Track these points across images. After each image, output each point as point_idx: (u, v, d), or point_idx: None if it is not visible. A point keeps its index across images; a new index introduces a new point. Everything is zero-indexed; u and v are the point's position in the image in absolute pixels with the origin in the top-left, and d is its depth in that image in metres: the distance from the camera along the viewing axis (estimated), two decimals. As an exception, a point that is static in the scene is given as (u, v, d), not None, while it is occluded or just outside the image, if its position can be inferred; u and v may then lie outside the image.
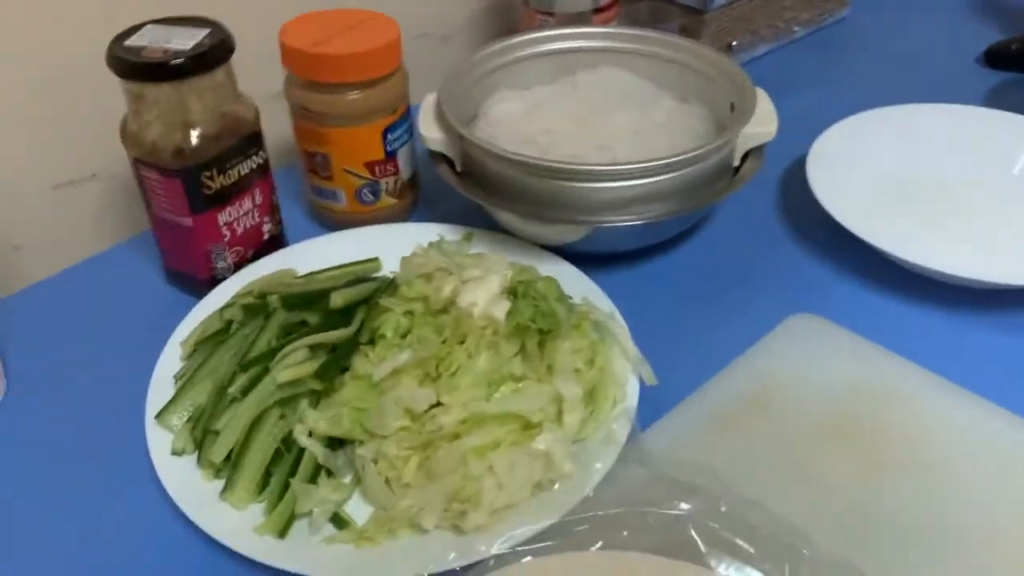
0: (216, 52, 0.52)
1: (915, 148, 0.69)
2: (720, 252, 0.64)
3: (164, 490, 0.46)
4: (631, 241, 0.61)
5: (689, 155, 0.55)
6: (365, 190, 0.63)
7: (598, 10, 0.72)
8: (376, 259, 0.59)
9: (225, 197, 0.56)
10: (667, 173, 0.56)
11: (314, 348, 0.50)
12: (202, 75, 0.52)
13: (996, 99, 0.79)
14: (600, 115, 0.63)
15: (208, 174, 0.54)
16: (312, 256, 0.59)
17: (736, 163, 0.61)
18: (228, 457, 0.47)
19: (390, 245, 0.59)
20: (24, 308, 0.60)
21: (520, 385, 0.47)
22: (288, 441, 0.47)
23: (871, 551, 0.43)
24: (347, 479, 0.47)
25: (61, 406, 0.54)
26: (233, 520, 0.45)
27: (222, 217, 0.56)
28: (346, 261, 0.59)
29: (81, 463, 0.50)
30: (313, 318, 0.52)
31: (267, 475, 0.47)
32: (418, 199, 0.68)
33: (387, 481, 0.46)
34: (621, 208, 0.56)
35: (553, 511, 0.43)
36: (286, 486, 0.46)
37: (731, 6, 0.80)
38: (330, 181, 0.63)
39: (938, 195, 0.66)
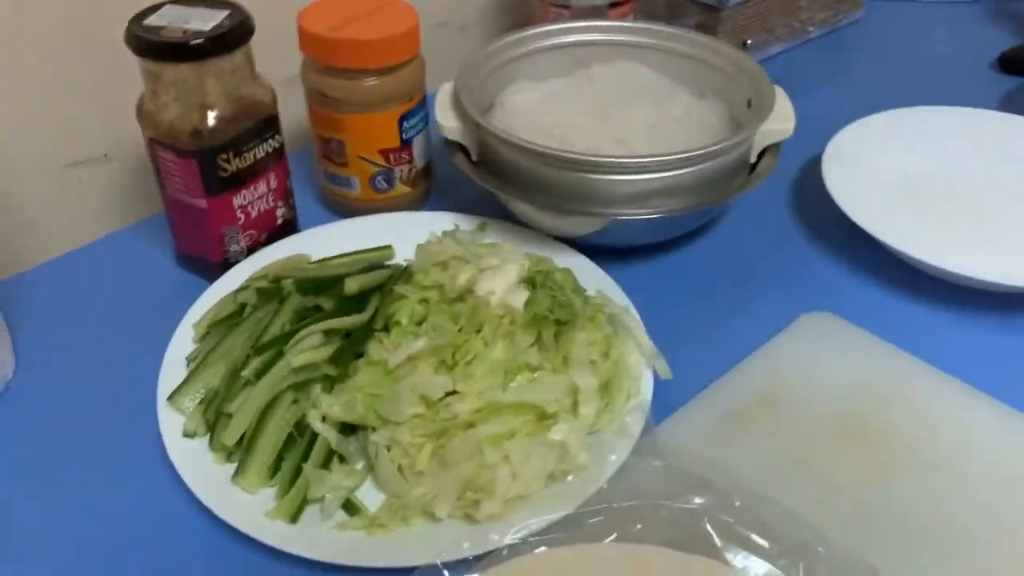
0: (236, 34, 0.52)
1: (930, 150, 0.69)
2: (734, 249, 0.63)
3: (175, 472, 0.46)
4: (646, 235, 0.61)
5: (708, 150, 0.55)
6: (379, 178, 0.63)
7: (614, 4, 0.72)
8: (389, 246, 0.59)
9: (240, 180, 0.55)
10: (686, 167, 0.56)
11: (328, 333, 0.50)
12: (221, 56, 0.52)
13: (1010, 104, 0.79)
14: (617, 109, 0.63)
15: (224, 156, 0.54)
16: (325, 242, 0.59)
17: (752, 160, 0.61)
18: (240, 441, 0.47)
19: (403, 233, 0.59)
20: (33, 288, 0.60)
21: (536, 375, 0.47)
22: (301, 426, 0.47)
23: (879, 550, 0.43)
24: (359, 465, 0.47)
25: (71, 386, 0.53)
26: (244, 504, 0.45)
27: (237, 200, 0.56)
28: (359, 248, 0.58)
29: (91, 444, 0.50)
30: (327, 303, 0.52)
31: (279, 460, 0.47)
32: (431, 188, 0.68)
33: (400, 468, 0.45)
34: (638, 202, 0.56)
35: (567, 502, 0.43)
36: (298, 471, 0.46)
37: (747, 4, 0.80)
38: (344, 168, 0.63)
39: (952, 197, 0.66)
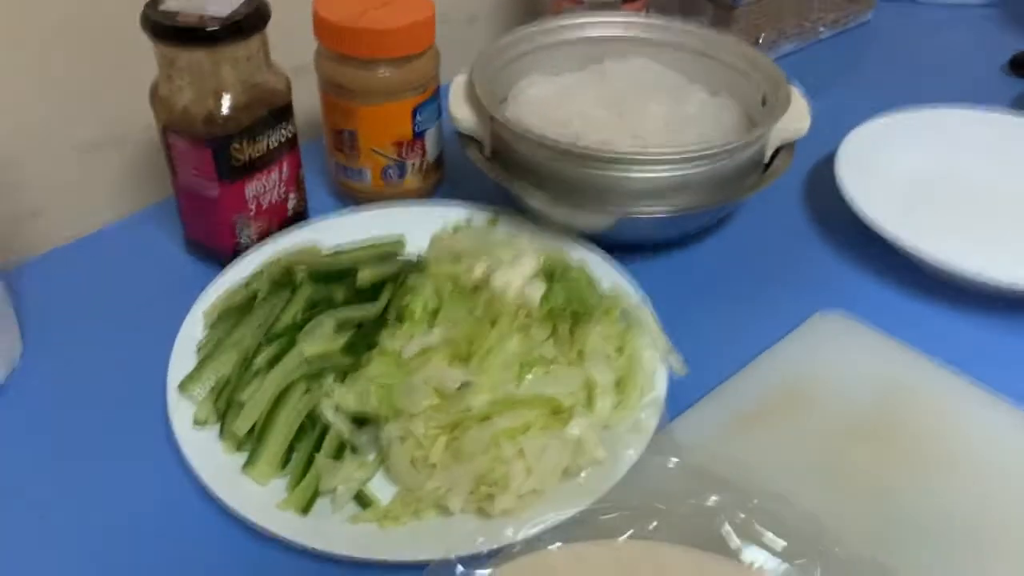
0: (252, 20, 0.52)
1: (943, 150, 0.69)
2: (746, 247, 0.63)
3: (184, 461, 0.46)
4: (659, 232, 0.61)
5: (725, 147, 0.55)
6: (391, 169, 0.63)
7: (628, -1, 0.72)
8: (401, 238, 0.58)
9: (253, 168, 0.55)
10: (701, 164, 0.55)
11: (341, 323, 0.49)
12: (237, 43, 0.51)
13: (1022, 107, 0.78)
14: (631, 104, 0.62)
15: (238, 144, 0.53)
16: (336, 232, 0.59)
17: (766, 159, 0.61)
18: (251, 430, 0.46)
19: (414, 225, 0.59)
20: (42, 274, 0.59)
21: (551, 369, 0.47)
22: (312, 416, 0.47)
23: (896, 551, 0.43)
24: (371, 457, 0.47)
25: (79, 373, 0.53)
26: (254, 494, 0.45)
27: (249, 188, 0.55)
28: (371, 238, 0.58)
29: (99, 431, 0.49)
30: (339, 293, 0.51)
31: (290, 450, 0.46)
32: (442, 181, 0.67)
33: (413, 461, 0.45)
34: (652, 198, 0.56)
35: (582, 498, 0.43)
36: (308, 462, 0.45)
37: (760, 2, 0.79)
38: (356, 159, 0.62)
39: (965, 198, 0.66)
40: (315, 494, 0.44)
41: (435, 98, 0.62)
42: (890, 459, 0.48)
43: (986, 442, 0.48)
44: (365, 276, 0.51)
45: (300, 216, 0.61)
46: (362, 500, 0.45)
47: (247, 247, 0.57)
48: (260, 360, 0.47)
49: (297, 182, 0.59)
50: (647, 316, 0.51)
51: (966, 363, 0.53)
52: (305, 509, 0.44)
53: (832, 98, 0.77)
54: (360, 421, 0.47)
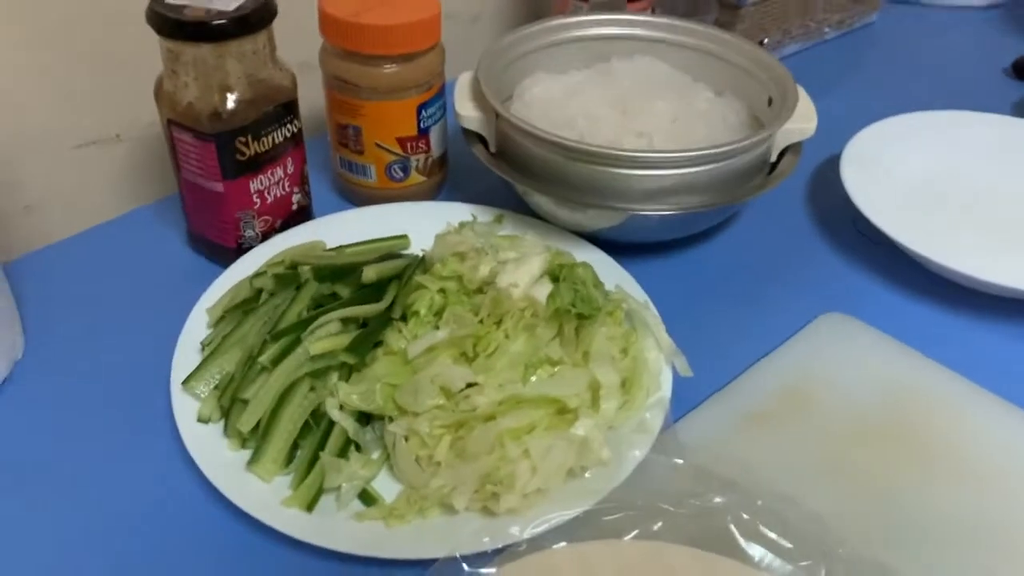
0: (259, 15, 0.51)
1: (948, 153, 0.69)
2: (748, 249, 0.63)
3: (188, 458, 0.45)
4: (663, 232, 0.61)
5: (731, 147, 0.55)
6: (395, 166, 0.62)
7: (633, -1, 0.72)
8: (405, 236, 0.58)
9: (258, 164, 0.55)
10: (707, 164, 0.55)
11: (345, 321, 0.49)
12: (243, 38, 0.51)
13: (1023, 112, 0.79)
14: (637, 103, 0.62)
15: (243, 140, 0.53)
16: (340, 229, 0.59)
17: (773, 159, 0.61)
18: (256, 428, 0.46)
19: (418, 223, 0.59)
20: (44, 269, 0.59)
21: (556, 369, 0.47)
22: (317, 414, 0.47)
23: (901, 553, 0.43)
24: (376, 455, 0.47)
25: (81, 369, 0.52)
26: (259, 492, 0.44)
27: (253, 184, 0.55)
28: (375, 236, 0.58)
29: (102, 428, 0.49)
30: (344, 291, 0.51)
31: (294, 448, 0.46)
32: (445, 179, 0.67)
33: (418, 459, 0.45)
34: (658, 197, 0.56)
35: (587, 498, 0.43)
36: (313, 459, 0.45)
37: (765, 3, 0.79)
38: (361, 155, 0.62)
39: (969, 201, 0.66)
40: (319, 491, 0.44)
41: (440, 95, 0.62)
42: (895, 460, 0.48)
43: (991, 444, 0.49)
44: (370, 274, 0.51)
45: (304, 212, 0.61)
46: (367, 498, 0.45)
47: (251, 244, 0.57)
48: (265, 357, 0.47)
49: (302, 178, 0.59)
50: (652, 317, 0.51)
51: (970, 365, 0.53)
52: (309, 506, 0.44)
53: (835, 99, 0.77)
54: (366, 418, 0.47)
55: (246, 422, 0.46)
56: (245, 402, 0.46)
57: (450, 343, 0.47)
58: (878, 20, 0.93)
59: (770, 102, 0.62)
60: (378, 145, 0.61)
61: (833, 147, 0.67)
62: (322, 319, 0.48)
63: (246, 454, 0.46)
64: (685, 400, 0.50)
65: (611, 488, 0.43)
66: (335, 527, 0.43)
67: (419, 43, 0.58)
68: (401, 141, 0.61)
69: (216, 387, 0.48)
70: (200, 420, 0.47)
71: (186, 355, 0.50)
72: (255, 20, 0.51)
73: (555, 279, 0.49)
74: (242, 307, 0.52)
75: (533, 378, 0.46)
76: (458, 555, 0.41)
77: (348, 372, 0.48)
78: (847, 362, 0.53)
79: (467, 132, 0.61)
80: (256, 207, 0.56)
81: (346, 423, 0.46)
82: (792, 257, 0.63)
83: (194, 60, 0.51)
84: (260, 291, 0.53)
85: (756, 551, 0.41)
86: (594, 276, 0.51)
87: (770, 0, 0.79)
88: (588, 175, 0.55)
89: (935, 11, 0.97)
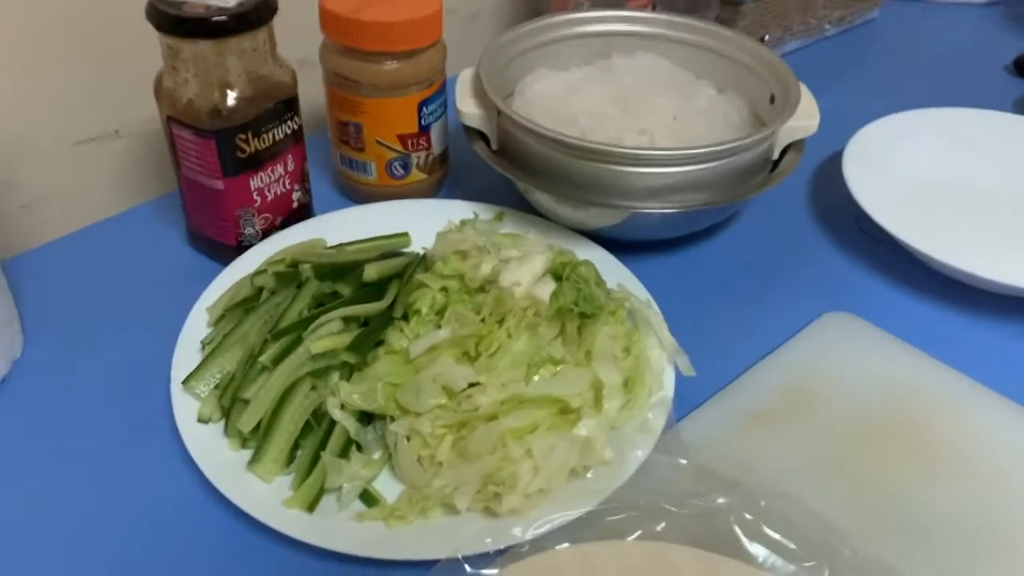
0: (259, 12, 0.51)
1: (951, 151, 0.69)
2: (750, 247, 0.63)
3: (188, 457, 0.45)
4: (665, 230, 0.60)
5: (733, 144, 0.55)
6: (396, 164, 0.62)
7: (634, -5, 0.71)
8: (406, 234, 0.58)
9: (258, 161, 0.55)
10: (710, 161, 0.55)
11: (347, 320, 0.49)
12: (243, 35, 0.51)
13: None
14: (639, 100, 0.62)
15: (243, 137, 0.53)
16: (341, 227, 0.58)
17: (775, 157, 0.60)
18: (256, 427, 0.46)
19: (419, 220, 0.59)
20: (42, 267, 0.59)
21: (559, 369, 0.47)
22: (318, 414, 0.47)
23: (905, 553, 0.43)
24: (377, 455, 0.46)
25: (81, 368, 0.52)
26: (259, 492, 0.44)
27: (254, 182, 0.55)
28: (375, 234, 0.58)
29: (101, 427, 0.49)
30: (345, 290, 0.51)
31: (295, 447, 0.46)
32: (446, 177, 0.67)
33: (420, 459, 0.45)
34: (659, 195, 0.55)
35: (589, 498, 0.43)
36: (314, 459, 0.45)
37: (766, 0, 0.79)
38: (361, 152, 0.62)
39: (972, 199, 0.66)
40: (321, 492, 0.44)
41: (441, 92, 0.62)
42: (899, 460, 0.47)
43: (994, 443, 0.48)
44: (371, 272, 0.51)
45: (305, 210, 0.60)
46: (368, 498, 0.45)
47: (251, 241, 0.57)
48: (265, 357, 0.47)
49: (302, 176, 0.59)
50: (654, 316, 0.51)
51: (972, 363, 0.53)
52: (311, 507, 0.44)
53: (836, 96, 0.77)
54: (367, 417, 0.47)
55: (247, 422, 0.45)
56: (246, 402, 0.46)
57: (452, 342, 0.46)
58: (879, 17, 0.93)
59: (772, 99, 0.61)
60: (379, 142, 0.61)
61: (834, 144, 0.67)
62: (323, 318, 0.48)
63: (246, 454, 0.46)
64: (688, 399, 0.50)
65: (614, 488, 0.43)
66: (336, 528, 0.43)
67: (420, 40, 0.58)
68: (402, 138, 0.61)
69: (216, 386, 0.48)
70: (200, 420, 0.47)
71: (186, 354, 0.50)
72: (255, 17, 0.51)
73: (558, 278, 0.48)
74: (242, 306, 0.52)
75: (535, 378, 0.46)
76: (460, 556, 0.40)
77: (349, 371, 0.47)
78: (850, 361, 0.53)
79: (468, 129, 0.60)
80: (256, 204, 0.56)
81: (347, 423, 0.46)
82: (794, 255, 0.62)
83: (194, 57, 0.51)
84: (260, 289, 0.52)
85: (760, 551, 0.41)
86: (596, 275, 0.51)
87: (771, -4, 0.79)
88: (590, 172, 0.55)
89: (936, 8, 0.97)
